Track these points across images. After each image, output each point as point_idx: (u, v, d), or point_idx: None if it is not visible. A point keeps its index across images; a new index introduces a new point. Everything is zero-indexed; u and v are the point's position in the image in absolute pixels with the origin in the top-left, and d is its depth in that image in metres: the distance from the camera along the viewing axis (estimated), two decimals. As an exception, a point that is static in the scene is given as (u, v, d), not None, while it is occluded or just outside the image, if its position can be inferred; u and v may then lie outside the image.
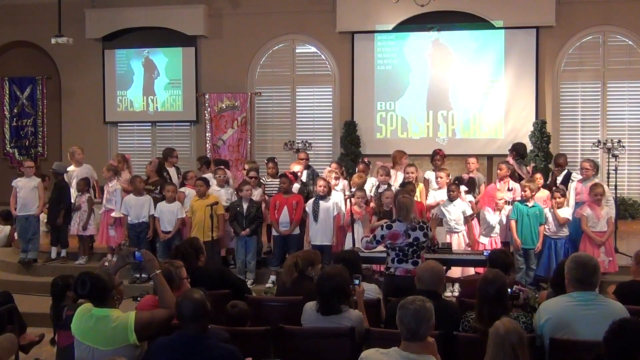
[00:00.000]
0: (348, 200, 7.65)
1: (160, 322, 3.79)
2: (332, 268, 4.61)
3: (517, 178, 8.50)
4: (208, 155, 11.75)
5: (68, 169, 9.36)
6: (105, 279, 3.85)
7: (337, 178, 8.33)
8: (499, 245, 7.62)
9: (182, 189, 8.65)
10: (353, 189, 7.97)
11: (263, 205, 8.33)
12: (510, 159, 8.78)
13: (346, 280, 4.44)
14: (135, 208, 8.32)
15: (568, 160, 9.14)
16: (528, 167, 9.44)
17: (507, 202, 7.87)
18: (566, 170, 8.64)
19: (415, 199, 7.30)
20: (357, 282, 4.65)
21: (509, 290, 4.19)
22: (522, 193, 7.67)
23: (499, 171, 8.20)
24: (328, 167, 9.15)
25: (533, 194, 7.62)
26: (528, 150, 11.14)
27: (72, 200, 8.91)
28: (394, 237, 5.70)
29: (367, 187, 8.48)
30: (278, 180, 8.45)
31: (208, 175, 8.83)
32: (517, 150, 9.13)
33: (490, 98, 11.74)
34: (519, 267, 7.52)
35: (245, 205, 8.03)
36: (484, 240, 7.78)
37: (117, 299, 3.96)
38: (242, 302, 4.52)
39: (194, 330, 3.44)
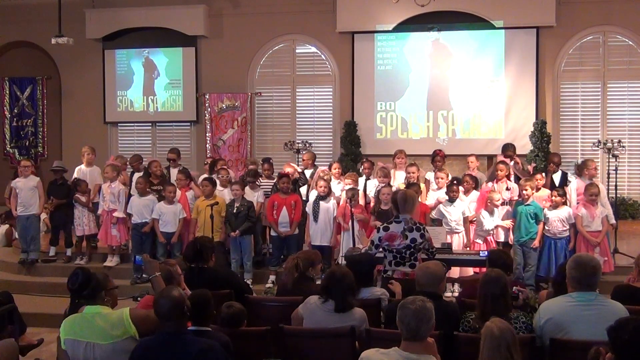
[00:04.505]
0: (348, 200, 7.62)
1: (156, 320, 3.79)
2: (340, 267, 4.74)
3: (515, 178, 8.52)
4: (208, 156, 11.76)
5: (82, 168, 9.40)
6: (98, 278, 3.95)
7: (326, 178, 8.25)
8: (494, 245, 7.61)
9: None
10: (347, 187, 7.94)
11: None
12: (508, 159, 8.78)
13: (353, 277, 4.51)
14: (139, 208, 8.33)
15: (568, 160, 9.15)
16: (529, 167, 9.44)
17: (504, 203, 7.86)
18: (560, 172, 8.65)
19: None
20: None
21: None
22: (524, 192, 7.66)
23: (500, 172, 8.19)
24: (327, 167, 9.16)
25: (532, 192, 7.65)
26: (528, 150, 11.19)
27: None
28: (391, 238, 5.50)
29: (369, 188, 8.48)
30: (273, 181, 8.43)
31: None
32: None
33: (491, 98, 11.74)
34: (515, 267, 7.50)
35: (235, 205, 7.98)
36: (479, 241, 7.77)
37: (107, 301, 3.97)
38: (238, 302, 4.52)
39: (172, 327, 3.47)
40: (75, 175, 9.28)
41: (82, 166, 9.45)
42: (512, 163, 8.76)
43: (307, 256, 5.34)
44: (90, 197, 8.96)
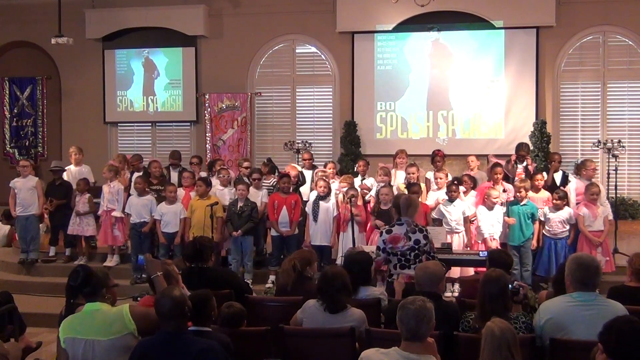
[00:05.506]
0: (348, 201, 7.61)
1: (156, 318, 3.79)
2: (334, 267, 4.72)
3: (512, 179, 8.53)
4: (208, 156, 11.77)
5: (71, 169, 9.42)
6: (99, 275, 3.98)
7: (326, 178, 8.23)
8: (497, 246, 7.60)
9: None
10: (344, 189, 7.92)
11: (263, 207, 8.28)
12: (502, 161, 8.78)
13: (348, 277, 4.50)
14: (137, 208, 8.33)
15: (568, 160, 9.14)
16: (530, 167, 9.43)
17: (501, 204, 7.86)
18: (561, 172, 8.65)
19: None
20: None
21: (509, 285, 4.18)
22: (517, 194, 7.66)
23: (498, 175, 8.19)
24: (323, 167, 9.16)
25: (527, 193, 7.65)
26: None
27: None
28: (395, 240, 5.57)
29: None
30: (271, 180, 8.42)
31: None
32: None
33: (490, 98, 11.74)
34: (513, 268, 7.49)
35: (239, 205, 7.98)
36: (479, 240, 7.76)
37: (108, 298, 3.98)
38: (238, 302, 4.52)
39: (172, 327, 3.47)
40: (64, 177, 9.25)
41: (71, 166, 9.47)
42: (524, 163, 8.77)
43: (303, 256, 5.34)
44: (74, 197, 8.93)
